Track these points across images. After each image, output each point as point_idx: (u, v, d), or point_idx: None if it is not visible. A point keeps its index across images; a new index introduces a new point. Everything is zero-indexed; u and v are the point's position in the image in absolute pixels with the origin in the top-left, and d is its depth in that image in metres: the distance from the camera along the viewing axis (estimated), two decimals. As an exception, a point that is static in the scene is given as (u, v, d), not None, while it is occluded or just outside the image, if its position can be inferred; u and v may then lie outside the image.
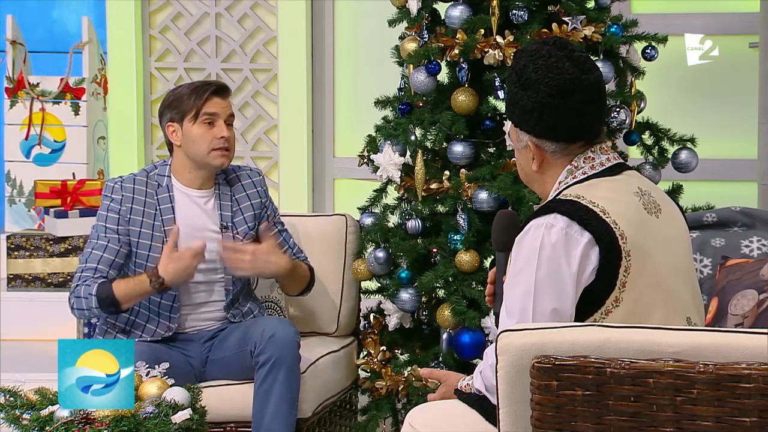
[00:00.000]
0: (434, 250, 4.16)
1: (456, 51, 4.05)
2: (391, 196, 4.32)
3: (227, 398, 3.84)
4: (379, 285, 4.35)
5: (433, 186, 4.13)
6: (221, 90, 3.94)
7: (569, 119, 2.78)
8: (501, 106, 4.09)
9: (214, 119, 3.88)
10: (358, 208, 4.38)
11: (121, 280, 3.80)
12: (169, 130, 3.92)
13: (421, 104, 4.20)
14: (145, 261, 3.88)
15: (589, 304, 2.71)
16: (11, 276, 5.54)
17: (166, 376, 3.48)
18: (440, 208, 4.19)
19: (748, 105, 5.50)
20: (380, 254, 4.19)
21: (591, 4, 4.15)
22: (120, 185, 3.91)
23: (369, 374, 4.36)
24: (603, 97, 2.86)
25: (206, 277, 3.95)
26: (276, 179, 6.19)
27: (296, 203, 6.08)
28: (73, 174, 5.93)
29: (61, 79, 5.97)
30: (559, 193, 2.80)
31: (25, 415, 3.34)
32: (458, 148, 4.08)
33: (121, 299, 3.77)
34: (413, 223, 4.15)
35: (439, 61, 4.08)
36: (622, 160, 2.90)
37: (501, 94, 3.98)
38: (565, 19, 4.04)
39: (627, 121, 4.11)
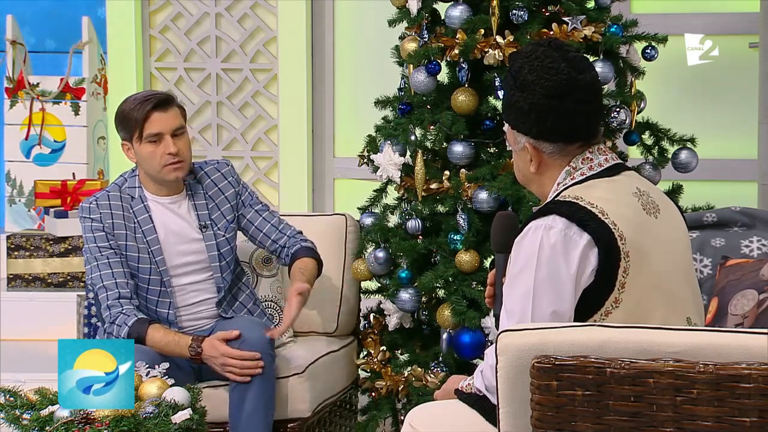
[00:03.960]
0: (435, 250, 4.16)
1: (456, 51, 4.05)
2: (391, 196, 4.32)
3: (226, 398, 3.84)
4: (379, 285, 4.35)
5: (433, 186, 4.13)
6: (161, 104, 3.85)
7: (566, 120, 2.78)
8: (501, 106, 4.09)
9: (158, 137, 3.84)
10: (358, 208, 4.38)
11: (160, 329, 3.79)
12: (124, 149, 3.92)
13: (429, 107, 4.18)
14: (136, 272, 3.90)
15: (589, 305, 2.71)
16: (11, 276, 5.55)
17: (166, 376, 3.48)
18: (440, 208, 4.19)
19: (748, 105, 5.50)
20: (380, 254, 4.19)
21: (591, 4, 4.15)
22: (96, 204, 3.91)
23: (369, 374, 4.36)
24: (599, 98, 2.87)
25: (195, 278, 3.96)
26: (276, 179, 6.19)
27: (296, 203, 6.08)
28: (73, 174, 5.94)
29: (61, 79, 5.97)
30: (558, 195, 2.80)
31: (25, 415, 3.34)
32: (458, 148, 4.08)
33: (150, 344, 3.76)
34: (413, 223, 4.15)
35: (439, 61, 4.08)
36: (620, 161, 2.90)
37: (501, 94, 3.97)
38: (565, 19, 4.04)
39: (627, 121, 4.10)
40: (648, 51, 4.20)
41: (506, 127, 2.90)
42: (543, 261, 2.70)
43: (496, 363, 2.53)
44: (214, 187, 4.02)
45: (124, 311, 3.79)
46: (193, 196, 3.98)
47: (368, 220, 4.30)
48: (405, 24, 4.26)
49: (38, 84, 6.01)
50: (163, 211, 3.94)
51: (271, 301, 4.29)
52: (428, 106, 4.18)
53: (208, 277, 3.97)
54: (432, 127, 4.14)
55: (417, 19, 4.20)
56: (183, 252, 3.94)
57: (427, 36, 4.14)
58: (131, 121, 3.84)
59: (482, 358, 3.21)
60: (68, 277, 5.53)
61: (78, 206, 5.47)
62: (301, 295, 3.88)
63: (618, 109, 4.08)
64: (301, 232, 4.13)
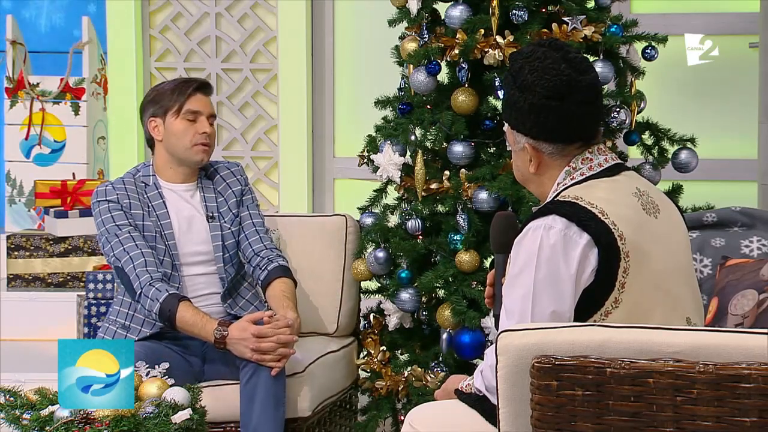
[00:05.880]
0: (434, 250, 4.16)
1: (456, 51, 4.05)
2: (391, 196, 4.32)
3: (227, 398, 3.84)
4: (379, 285, 4.35)
5: (433, 186, 4.13)
6: (204, 87, 3.98)
7: (566, 121, 2.78)
8: (501, 106, 4.09)
9: (196, 116, 3.93)
10: (358, 208, 4.38)
11: (190, 307, 3.78)
12: (151, 125, 3.97)
13: (429, 107, 4.18)
14: None
15: (589, 305, 2.71)
16: (11, 276, 5.55)
17: (166, 376, 3.48)
18: (440, 208, 4.19)
19: (748, 105, 5.50)
20: (380, 254, 4.19)
21: (591, 4, 4.15)
22: (112, 187, 3.95)
23: (369, 374, 4.36)
24: (600, 98, 2.86)
25: (203, 269, 3.97)
26: (276, 179, 6.19)
27: (296, 203, 6.09)
28: (73, 174, 5.94)
29: (61, 79, 5.98)
30: (558, 195, 2.80)
31: (25, 415, 3.33)
32: (458, 148, 4.08)
33: (180, 323, 3.76)
34: (413, 223, 4.15)
35: (439, 61, 4.08)
36: (620, 161, 2.90)
37: (501, 94, 3.97)
38: (565, 19, 4.04)
39: (627, 121, 4.10)
40: (648, 51, 4.20)
41: (506, 127, 2.90)
42: (543, 261, 2.70)
43: (496, 363, 2.53)
44: (223, 182, 4.07)
45: (155, 285, 3.79)
46: (203, 189, 4.03)
47: (368, 220, 4.31)
48: (405, 24, 4.26)
49: (38, 84, 6.01)
50: (176, 198, 3.98)
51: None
52: (428, 106, 4.18)
53: (214, 270, 3.98)
54: (432, 127, 4.14)
55: (417, 19, 4.20)
56: (193, 240, 3.96)
57: (427, 36, 4.14)
58: (171, 97, 3.92)
59: (482, 358, 3.21)
60: (68, 277, 5.53)
61: (78, 206, 5.55)
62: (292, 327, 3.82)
63: (618, 109, 4.08)
64: (279, 249, 4.10)
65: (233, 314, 3.97)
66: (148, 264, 3.83)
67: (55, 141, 6.02)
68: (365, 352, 4.35)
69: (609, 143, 4.09)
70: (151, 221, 3.92)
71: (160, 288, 3.79)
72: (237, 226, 4.04)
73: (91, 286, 4.81)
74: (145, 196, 3.95)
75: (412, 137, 4.18)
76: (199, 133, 3.92)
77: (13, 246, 5.54)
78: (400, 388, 4.22)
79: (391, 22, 4.30)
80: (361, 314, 4.51)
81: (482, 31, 4.02)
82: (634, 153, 4.50)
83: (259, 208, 4.13)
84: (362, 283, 4.44)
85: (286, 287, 3.97)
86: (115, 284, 4.22)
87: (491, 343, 3.84)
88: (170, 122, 3.92)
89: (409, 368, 4.24)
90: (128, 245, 3.85)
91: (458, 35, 4.04)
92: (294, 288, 4.01)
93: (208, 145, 3.95)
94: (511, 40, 4.00)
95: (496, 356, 2.53)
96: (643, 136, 4.26)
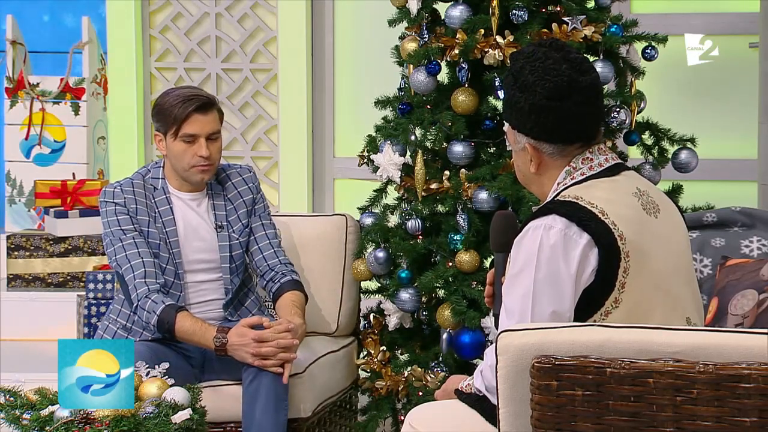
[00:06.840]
0: (434, 250, 4.16)
1: (456, 51, 4.05)
2: (391, 196, 4.32)
3: (227, 398, 3.84)
4: (379, 285, 4.35)
5: (433, 186, 4.13)
6: (203, 106, 3.86)
7: (566, 121, 2.78)
8: (501, 106, 4.09)
9: (194, 139, 3.85)
10: (358, 208, 4.38)
11: (188, 317, 3.78)
12: (156, 140, 3.94)
13: (429, 107, 4.18)
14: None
15: (589, 305, 2.71)
16: (11, 276, 5.55)
17: (166, 376, 3.48)
18: (440, 208, 4.19)
19: (748, 105, 5.50)
20: (380, 254, 4.19)
21: (591, 4, 4.15)
22: (120, 189, 3.92)
23: (369, 374, 4.36)
24: (600, 99, 2.87)
25: (207, 276, 3.96)
26: (276, 179, 6.19)
27: (296, 203, 6.09)
28: (73, 174, 5.94)
29: (61, 79, 5.98)
30: (558, 195, 2.80)
31: (25, 415, 3.33)
32: (458, 148, 4.09)
33: (179, 333, 3.77)
34: (413, 223, 4.15)
35: (439, 61, 4.08)
36: (620, 161, 2.90)
37: (501, 94, 3.97)
38: (565, 19, 4.04)
39: (627, 121, 4.11)
40: (648, 51, 4.20)
41: (506, 127, 2.90)
42: (543, 261, 2.70)
43: (496, 363, 2.53)
44: (234, 190, 4.03)
45: (151, 297, 3.78)
46: (213, 196, 3.99)
47: (368, 220, 4.31)
48: (405, 24, 4.26)
49: (38, 84, 6.01)
50: (183, 206, 3.96)
51: (267, 301, 4.28)
52: (428, 106, 4.19)
53: (218, 277, 3.97)
54: (432, 127, 4.14)
55: (417, 19, 4.20)
56: (198, 249, 3.95)
57: (427, 36, 4.14)
58: (170, 116, 3.84)
59: (482, 358, 3.21)
60: (68, 277, 5.53)
61: (78, 206, 5.55)
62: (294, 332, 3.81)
63: (618, 109, 4.08)
64: (291, 263, 4.09)
65: (233, 321, 3.96)
66: (148, 275, 3.81)
67: (55, 141, 6.02)
68: (365, 352, 4.35)
69: (609, 143, 4.10)
70: (156, 228, 3.90)
71: (156, 300, 3.78)
72: (246, 237, 4.01)
73: (91, 286, 4.81)
74: (153, 200, 3.93)
75: (412, 137, 4.18)
76: (197, 156, 3.85)
77: (13, 246, 5.54)
78: (400, 388, 4.22)
79: (391, 22, 4.30)
80: (361, 314, 4.51)
81: (482, 31, 4.03)
82: (634, 153, 4.49)
83: (270, 217, 4.10)
84: (362, 283, 4.44)
85: (296, 298, 3.97)
86: (116, 283, 4.23)
87: (491, 343, 3.83)
88: (170, 142, 3.87)
89: (409, 368, 4.24)
90: (130, 252, 3.84)
91: (458, 35, 4.04)
92: (304, 301, 4.00)
93: (207, 166, 3.88)
94: (511, 40, 4.00)
95: (496, 356, 2.53)
96: (643, 136, 4.26)
